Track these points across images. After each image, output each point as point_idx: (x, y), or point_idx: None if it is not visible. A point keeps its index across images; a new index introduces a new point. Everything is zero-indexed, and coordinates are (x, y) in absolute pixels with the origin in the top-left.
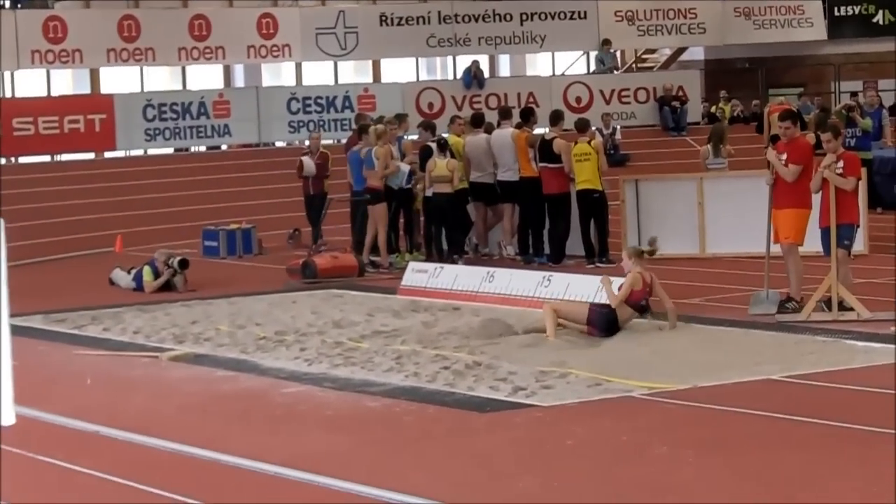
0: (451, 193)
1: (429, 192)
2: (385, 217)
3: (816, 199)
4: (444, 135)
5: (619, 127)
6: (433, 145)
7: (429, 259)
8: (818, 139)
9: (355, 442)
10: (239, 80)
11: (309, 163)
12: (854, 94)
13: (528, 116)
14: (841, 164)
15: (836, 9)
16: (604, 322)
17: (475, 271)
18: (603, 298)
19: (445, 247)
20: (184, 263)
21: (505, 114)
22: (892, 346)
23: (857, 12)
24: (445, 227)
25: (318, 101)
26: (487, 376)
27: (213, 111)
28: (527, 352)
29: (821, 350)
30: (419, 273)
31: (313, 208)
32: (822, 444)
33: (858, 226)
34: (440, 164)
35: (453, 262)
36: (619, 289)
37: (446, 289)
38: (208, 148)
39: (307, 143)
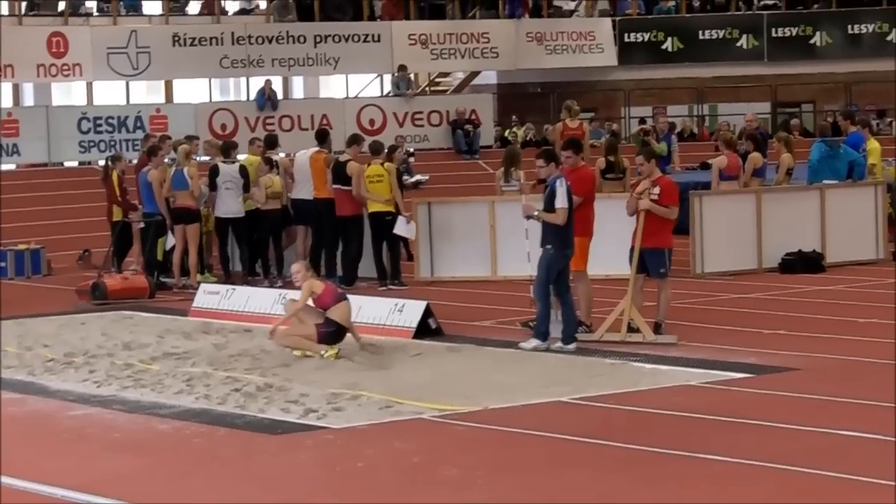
0: (281, 210)
1: (243, 208)
2: (198, 237)
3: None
4: (241, 156)
5: (413, 150)
6: (223, 165)
7: (226, 280)
8: (609, 163)
9: (145, 465)
10: (28, 99)
11: None
12: (643, 120)
13: (324, 138)
14: (657, 189)
15: (626, 35)
16: (330, 338)
17: (267, 293)
18: (395, 321)
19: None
20: None
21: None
22: (678, 368)
23: (646, 39)
24: (274, 242)
25: (110, 121)
26: (279, 398)
27: (1, 130)
28: (319, 374)
29: (609, 372)
30: (211, 295)
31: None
32: (611, 465)
33: (671, 250)
34: (276, 181)
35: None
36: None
37: (238, 310)
38: None
39: (101, 163)
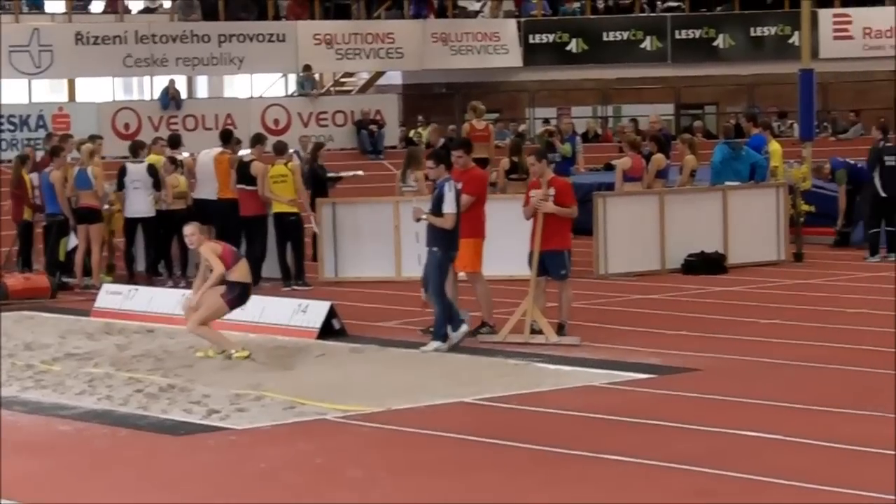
0: (186, 209)
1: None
2: (101, 237)
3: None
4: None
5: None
6: (130, 165)
7: (129, 280)
8: (513, 164)
9: (46, 466)
10: None
11: None
12: (547, 121)
13: (228, 138)
14: (552, 191)
15: (531, 36)
16: (239, 301)
17: (170, 293)
18: (299, 322)
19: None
20: None
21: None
22: (581, 368)
23: (551, 40)
24: (179, 242)
25: (11, 119)
26: (181, 399)
27: None
28: (222, 374)
29: (513, 373)
30: (113, 295)
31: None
32: (515, 465)
33: (570, 251)
34: (182, 181)
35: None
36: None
37: (141, 311)
38: None
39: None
